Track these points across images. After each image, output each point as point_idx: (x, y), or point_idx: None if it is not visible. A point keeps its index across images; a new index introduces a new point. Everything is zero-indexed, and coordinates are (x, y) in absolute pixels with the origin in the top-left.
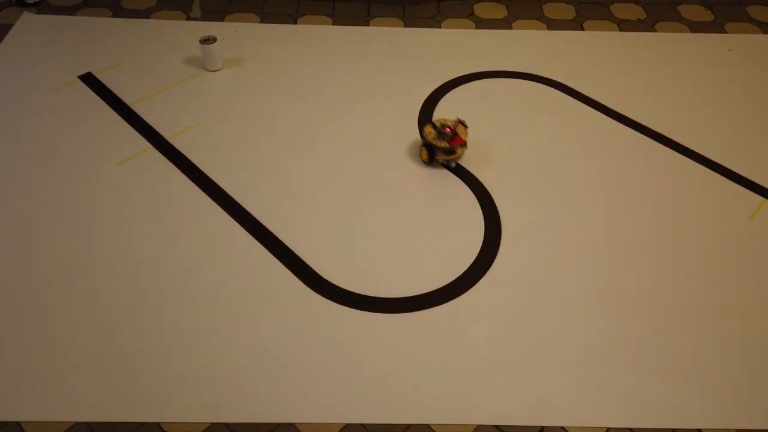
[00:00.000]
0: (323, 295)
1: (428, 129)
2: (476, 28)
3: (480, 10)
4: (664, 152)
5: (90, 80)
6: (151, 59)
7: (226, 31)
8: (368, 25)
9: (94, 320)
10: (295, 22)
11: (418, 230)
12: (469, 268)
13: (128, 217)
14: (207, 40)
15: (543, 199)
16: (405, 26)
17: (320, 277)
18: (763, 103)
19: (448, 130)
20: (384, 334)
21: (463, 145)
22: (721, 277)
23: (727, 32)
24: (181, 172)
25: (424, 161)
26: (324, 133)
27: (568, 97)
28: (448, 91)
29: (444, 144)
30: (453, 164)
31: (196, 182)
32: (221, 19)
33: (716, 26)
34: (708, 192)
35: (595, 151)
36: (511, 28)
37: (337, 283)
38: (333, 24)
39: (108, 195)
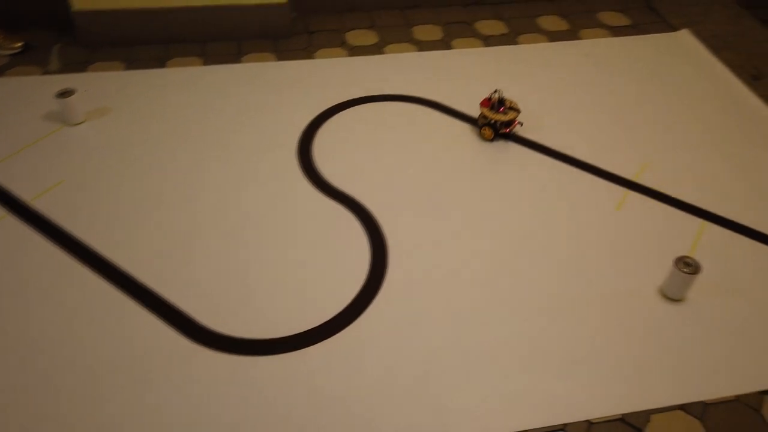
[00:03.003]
0: (208, 347)
1: (483, 112)
2: (349, 56)
3: (351, 38)
4: (533, 156)
5: None
6: (4, 120)
7: (88, 81)
8: (241, 62)
9: None
10: (164, 66)
11: (303, 263)
12: (358, 294)
13: None
14: (64, 94)
15: (425, 215)
16: (278, 60)
17: (204, 327)
18: (617, 99)
19: (497, 105)
20: (276, 376)
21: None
22: (598, 267)
23: (582, 38)
24: (43, 237)
25: (488, 139)
26: (200, 176)
27: (442, 114)
28: (326, 120)
29: (500, 115)
30: (517, 127)
31: (62, 245)
32: (83, 69)
33: (572, 34)
34: (576, 189)
35: (469, 162)
36: (383, 53)
37: (224, 331)
38: (204, 64)
39: None
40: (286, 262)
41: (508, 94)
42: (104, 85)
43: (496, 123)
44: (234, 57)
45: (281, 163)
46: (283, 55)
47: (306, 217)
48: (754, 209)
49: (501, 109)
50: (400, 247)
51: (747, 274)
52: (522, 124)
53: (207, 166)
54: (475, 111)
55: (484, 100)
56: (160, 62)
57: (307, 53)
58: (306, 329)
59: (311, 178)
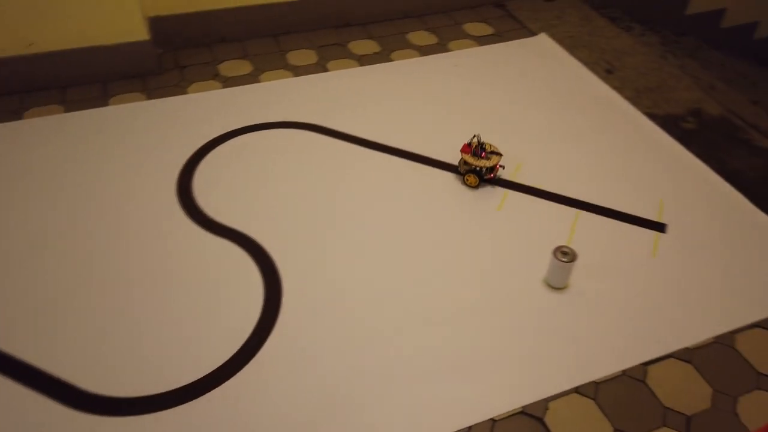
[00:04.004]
0: (93, 413)
1: (465, 158)
2: (224, 87)
3: (224, 69)
4: (416, 168)
5: None
6: None
7: None
8: (108, 105)
9: None
10: (21, 118)
11: (192, 307)
12: (253, 332)
13: None
14: None
15: (317, 239)
16: (149, 99)
17: (84, 392)
18: (487, 104)
19: (479, 150)
20: None
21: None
22: (486, 269)
23: (451, 50)
24: None
25: (473, 186)
26: (73, 230)
27: (324, 136)
28: (205, 155)
29: (483, 161)
30: (499, 172)
31: None
32: None
33: (441, 47)
34: (458, 196)
35: (356, 180)
36: (260, 81)
37: (108, 393)
38: (66, 111)
39: None
40: (173, 308)
41: (383, 110)
42: None
43: (481, 169)
44: (100, 100)
45: (160, 205)
46: (153, 93)
47: (191, 259)
48: (618, 192)
49: (483, 155)
50: (294, 275)
51: (620, 254)
52: (504, 168)
53: (79, 219)
54: (356, 130)
55: (464, 146)
56: (16, 114)
57: (180, 89)
58: (198, 378)
59: (194, 217)
